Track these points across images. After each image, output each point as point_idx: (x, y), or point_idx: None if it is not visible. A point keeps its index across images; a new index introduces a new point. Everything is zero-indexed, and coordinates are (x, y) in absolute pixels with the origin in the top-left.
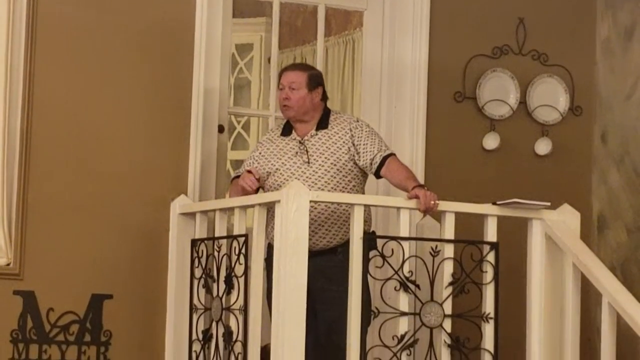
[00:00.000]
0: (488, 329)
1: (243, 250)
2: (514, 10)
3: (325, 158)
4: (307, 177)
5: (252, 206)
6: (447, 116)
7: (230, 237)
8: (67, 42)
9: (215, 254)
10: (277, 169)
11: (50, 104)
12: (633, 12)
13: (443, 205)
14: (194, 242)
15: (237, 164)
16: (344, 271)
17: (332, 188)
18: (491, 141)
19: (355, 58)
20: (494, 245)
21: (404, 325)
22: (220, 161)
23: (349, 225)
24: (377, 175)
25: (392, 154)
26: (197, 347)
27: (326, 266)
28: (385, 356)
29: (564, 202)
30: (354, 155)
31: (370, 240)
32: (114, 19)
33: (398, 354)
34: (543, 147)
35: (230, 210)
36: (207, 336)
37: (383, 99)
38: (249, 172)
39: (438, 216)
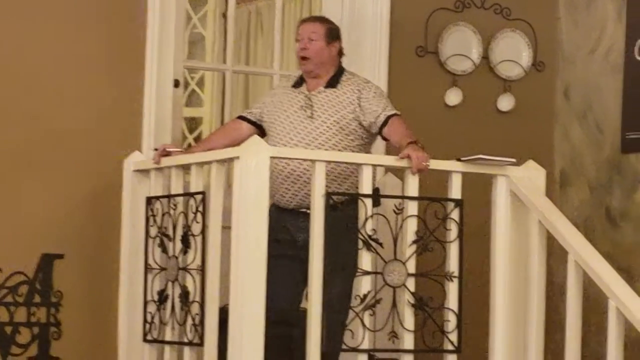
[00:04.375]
0: (452, 288)
1: (200, 208)
2: None
3: (329, 115)
4: (308, 131)
5: (210, 163)
6: (409, 71)
7: (187, 194)
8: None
9: (171, 212)
10: (281, 121)
11: None
12: None
13: (406, 162)
14: (149, 200)
15: (191, 121)
16: (347, 227)
17: (333, 145)
18: (453, 97)
19: (312, 13)
20: (458, 202)
21: (366, 285)
22: (176, 117)
23: (344, 181)
24: (381, 135)
25: (396, 114)
26: (152, 308)
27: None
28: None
29: (526, 159)
30: (359, 116)
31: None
32: None
33: (360, 314)
34: (505, 103)
35: (186, 167)
36: (162, 297)
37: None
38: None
39: (401, 173)
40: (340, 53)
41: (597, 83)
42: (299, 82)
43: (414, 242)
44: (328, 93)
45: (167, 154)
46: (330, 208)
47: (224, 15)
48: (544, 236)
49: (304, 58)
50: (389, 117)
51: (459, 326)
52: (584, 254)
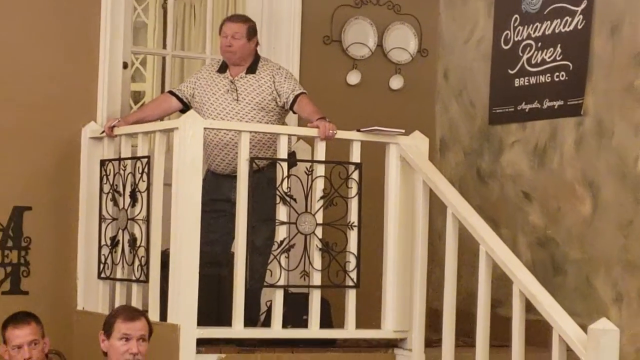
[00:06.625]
0: (352, 235)
1: (146, 170)
2: None
3: (252, 98)
4: (236, 112)
5: (154, 132)
6: (317, 56)
7: (135, 158)
8: None
9: (121, 172)
10: (211, 103)
11: None
12: None
13: (316, 131)
14: (103, 162)
15: (136, 94)
16: (269, 185)
17: (257, 122)
18: (353, 78)
19: (237, 7)
20: (357, 166)
21: (282, 233)
22: (125, 92)
23: (268, 149)
24: (292, 110)
25: (303, 93)
26: (105, 251)
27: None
28: None
29: (412, 129)
30: (276, 97)
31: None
32: None
33: (278, 257)
34: (396, 83)
35: (134, 135)
36: (114, 242)
37: (263, 41)
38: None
39: (311, 141)
40: (257, 44)
41: (470, 67)
42: (223, 68)
43: (322, 197)
44: (249, 78)
45: (112, 129)
46: (255, 171)
47: (163, 7)
48: (427, 193)
49: (229, 52)
50: (297, 96)
51: (358, 266)
52: (459, 208)
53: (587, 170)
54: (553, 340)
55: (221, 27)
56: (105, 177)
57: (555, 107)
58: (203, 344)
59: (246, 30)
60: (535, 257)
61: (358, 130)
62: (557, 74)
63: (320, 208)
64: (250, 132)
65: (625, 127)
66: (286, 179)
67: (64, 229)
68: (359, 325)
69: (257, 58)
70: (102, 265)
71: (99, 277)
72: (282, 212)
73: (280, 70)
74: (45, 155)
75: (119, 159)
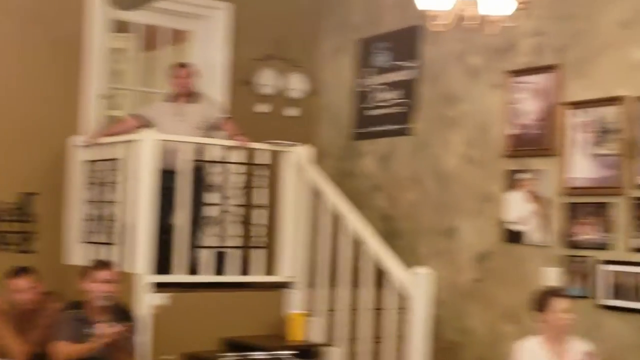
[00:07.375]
0: (263, 213)
1: (117, 168)
2: (275, 34)
3: (192, 119)
4: (182, 129)
5: (124, 142)
6: (239, 93)
7: (109, 160)
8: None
9: (101, 169)
10: (164, 122)
11: None
12: (339, 39)
13: (237, 143)
14: (85, 162)
15: (112, 117)
16: (204, 179)
17: (196, 136)
18: (264, 108)
19: (185, 58)
20: (268, 166)
21: (214, 211)
22: (103, 115)
23: (203, 154)
24: (220, 128)
25: (228, 117)
26: (87, 223)
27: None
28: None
29: (304, 143)
30: (208, 119)
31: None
32: (33, 31)
33: (210, 227)
34: (293, 112)
35: (110, 143)
36: (96, 217)
37: (203, 82)
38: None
39: (234, 149)
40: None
41: (341, 103)
42: (173, 99)
43: (242, 187)
44: (191, 106)
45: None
46: (194, 169)
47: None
48: (311, 184)
49: (185, 87)
50: (223, 119)
51: (268, 234)
52: (332, 196)
53: (414, 171)
54: (392, 281)
55: (174, 70)
56: (89, 172)
57: (395, 129)
58: (156, 287)
59: (194, 71)
60: (382, 228)
61: (267, 143)
62: (397, 108)
63: (240, 194)
64: (191, 142)
65: (439, 142)
66: (216, 174)
67: (59, 208)
68: (266, 273)
69: (196, 91)
70: (85, 233)
71: (83, 241)
72: (214, 197)
73: (212, 101)
74: (47, 158)
75: (99, 160)
